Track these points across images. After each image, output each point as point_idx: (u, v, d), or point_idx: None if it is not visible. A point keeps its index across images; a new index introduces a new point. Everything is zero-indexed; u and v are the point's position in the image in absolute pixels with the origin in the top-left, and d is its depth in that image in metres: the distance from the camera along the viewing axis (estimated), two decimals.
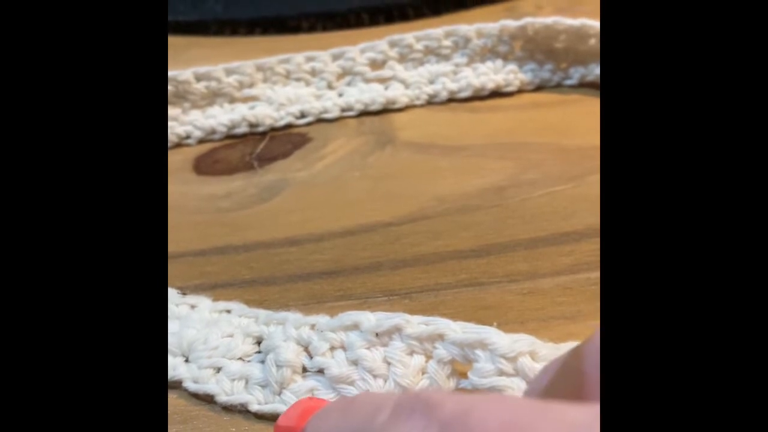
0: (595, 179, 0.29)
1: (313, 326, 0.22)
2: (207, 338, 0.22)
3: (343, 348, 0.21)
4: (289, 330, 0.22)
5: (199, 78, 0.34)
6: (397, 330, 0.20)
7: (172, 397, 0.22)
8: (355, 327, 0.21)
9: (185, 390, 0.22)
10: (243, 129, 0.34)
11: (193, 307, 0.24)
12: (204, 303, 0.24)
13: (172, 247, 0.28)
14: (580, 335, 0.22)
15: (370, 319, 0.21)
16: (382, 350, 0.20)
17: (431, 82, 0.35)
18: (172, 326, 0.23)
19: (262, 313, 0.23)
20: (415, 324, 0.20)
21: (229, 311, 0.24)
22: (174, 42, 0.44)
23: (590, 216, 0.27)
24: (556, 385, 0.14)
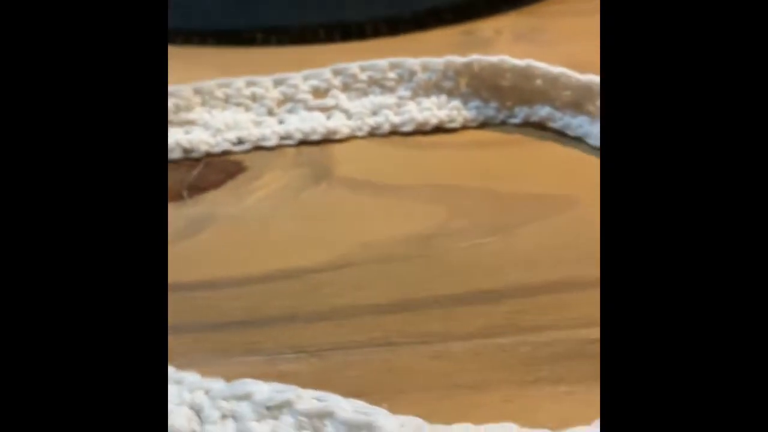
0: (524, 231, 0.28)
1: (208, 391, 0.21)
2: None
3: (234, 418, 0.20)
4: (184, 393, 0.21)
5: None
6: (287, 404, 0.20)
7: None
8: (247, 397, 0.20)
9: None
10: (177, 154, 0.33)
11: None
12: None
13: None
14: (483, 407, 0.22)
15: (263, 390, 0.20)
16: (271, 423, 0.20)
17: (374, 113, 0.34)
18: None
19: None
20: (307, 399, 0.20)
21: None
22: None
23: (513, 272, 0.26)
24: None
